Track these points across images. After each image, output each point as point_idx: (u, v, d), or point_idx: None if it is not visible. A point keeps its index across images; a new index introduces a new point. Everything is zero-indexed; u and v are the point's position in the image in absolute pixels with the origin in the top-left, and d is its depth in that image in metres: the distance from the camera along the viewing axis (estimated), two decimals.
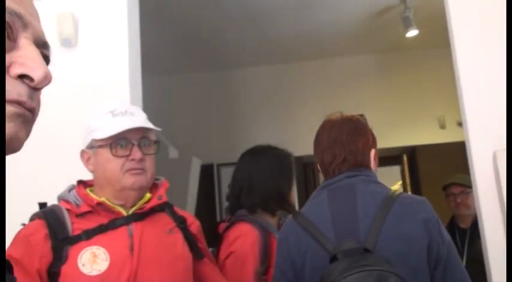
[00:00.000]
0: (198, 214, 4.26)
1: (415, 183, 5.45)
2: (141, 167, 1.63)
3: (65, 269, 1.47)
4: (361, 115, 1.98)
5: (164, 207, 1.73)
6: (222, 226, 2.19)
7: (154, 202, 1.69)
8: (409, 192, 5.63)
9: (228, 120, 5.39)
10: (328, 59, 5.43)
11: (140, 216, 1.65)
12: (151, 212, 1.68)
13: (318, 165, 1.89)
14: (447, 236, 1.61)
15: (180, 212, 1.79)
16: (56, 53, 2.35)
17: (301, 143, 5.44)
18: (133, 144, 1.62)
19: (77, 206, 1.63)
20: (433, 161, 5.14)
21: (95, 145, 1.65)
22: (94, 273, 1.48)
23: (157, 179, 1.78)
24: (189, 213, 1.85)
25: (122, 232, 1.60)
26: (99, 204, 1.61)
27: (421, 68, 5.26)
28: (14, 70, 0.57)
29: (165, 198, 1.72)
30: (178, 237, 1.70)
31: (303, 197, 5.34)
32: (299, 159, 5.36)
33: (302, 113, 5.38)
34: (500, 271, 2.01)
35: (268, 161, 2.21)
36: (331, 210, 1.68)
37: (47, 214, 1.56)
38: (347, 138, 1.78)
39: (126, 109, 1.67)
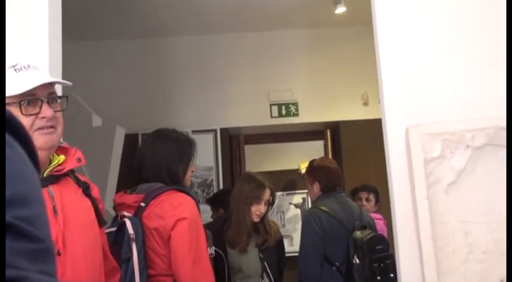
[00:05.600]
0: (120, 183, 4.20)
1: (337, 158, 5.59)
2: (52, 124, 1.56)
3: None
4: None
5: (68, 173, 1.68)
6: (132, 197, 2.29)
7: (74, 164, 1.65)
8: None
9: (154, 90, 5.31)
10: (259, 32, 5.43)
11: (56, 178, 1.61)
12: (62, 176, 1.63)
13: (320, 184, 3.48)
14: None
15: (81, 177, 1.76)
16: None
17: (227, 115, 5.47)
18: (42, 101, 1.54)
19: None
20: (355, 136, 5.29)
21: None
22: None
23: (60, 142, 1.70)
24: (86, 178, 1.82)
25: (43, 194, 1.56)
26: None
27: (349, 45, 5.35)
28: None
29: (84, 161, 1.69)
30: (88, 201, 1.69)
31: (227, 166, 5.38)
32: (225, 131, 5.38)
33: (230, 86, 5.38)
34: (407, 256, 2.16)
35: (172, 144, 2.44)
36: (340, 206, 3.33)
37: None
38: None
39: (29, 63, 1.58)
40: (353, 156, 5.32)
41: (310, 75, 5.43)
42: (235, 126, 5.47)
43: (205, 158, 5.17)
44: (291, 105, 5.44)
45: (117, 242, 2.10)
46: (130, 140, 4.96)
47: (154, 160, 2.36)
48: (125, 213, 2.22)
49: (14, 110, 1.52)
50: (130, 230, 2.08)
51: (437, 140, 2.12)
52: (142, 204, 2.21)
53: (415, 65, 2.26)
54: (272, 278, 3.15)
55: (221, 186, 5.20)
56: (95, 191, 1.78)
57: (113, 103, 5.04)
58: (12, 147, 0.52)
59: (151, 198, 2.22)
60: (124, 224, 2.13)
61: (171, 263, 2.15)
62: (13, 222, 0.46)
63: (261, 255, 3.19)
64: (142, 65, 5.36)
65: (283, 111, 5.44)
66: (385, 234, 3.81)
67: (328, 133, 5.80)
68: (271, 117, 5.44)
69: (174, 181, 2.35)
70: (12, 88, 1.50)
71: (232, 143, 5.61)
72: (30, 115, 1.53)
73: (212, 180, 5.21)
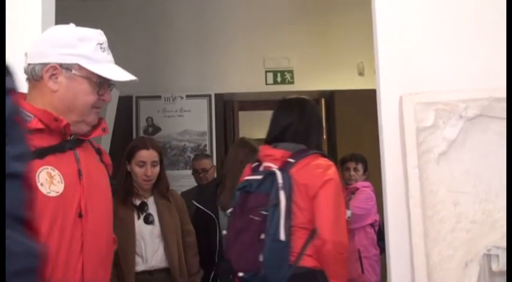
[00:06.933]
0: (113, 146, 4.20)
1: (331, 127, 5.60)
2: (102, 106, 1.70)
3: None
4: None
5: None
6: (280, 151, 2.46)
7: (99, 133, 1.73)
8: (324, 136, 5.81)
9: (149, 53, 5.27)
10: None
11: (80, 142, 1.67)
12: (83, 141, 1.70)
13: None
14: None
15: (95, 144, 1.81)
16: None
17: (222, 81, 5.44)
18: (109, 86, 1.68)
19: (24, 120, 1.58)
20: (349, 106, 5.28)
21: (76, 70, 1.60)
22: (52, 194, 1.48)
23: None
24: (98, 144, 1.88)
25: (70, 156, 1.60)
26: (65, 126, 1.59)
27: (347, 13, 5.30)
28: None
29: (107, 132, 1.79)
30: (103, 167, 1.76)
31: (221, 131, 5.38)
32: (219, 96, 5.37)
33: (226, 52, 5.34)
34: (396, 224, 2.18)
35: (314, 114, 2.63)
36: None
37: None
38: None
39: (106, 46, 1.73)
40: (346, 126, 5.33)
41: (306, 43, 5.39)
42: (230, 92, 5.45)
43: (199, 123, 5.18)
44: (286, 73, 5.42)
45: (259, 190, 2.34)
46: (124, 102, 4.94)
47: (303, 126, 2.54)
48: (271, 165, 2.42)
49: (88, 85, 1.62)
50: (280, 180, 2.29)
51: (431, 109, 2.13)
52: (292, 160, 2.39)
53: (412, 33, 2.25)
54: None
55: (214, 152, 5.21)
56: (106, 158, 1.84)
57: None
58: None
59: (301, 157, 2.41)
60: (273, 173, 2.34)
61: (315, 218, 2.30)
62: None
63: None
64: (139, 28, 5.31)
65: (279, 79, 5.42)
66: (373, 201, 3.88)
67: (323, 102, 5.79)
68: (266, 84, 5.42)
69: (314, 147, 2.52)
70: (106, 70, 1.64)
71: (227, 108, 5.60)
72: (98, 94, 1.65)
73: (205, 146, 5.21)
